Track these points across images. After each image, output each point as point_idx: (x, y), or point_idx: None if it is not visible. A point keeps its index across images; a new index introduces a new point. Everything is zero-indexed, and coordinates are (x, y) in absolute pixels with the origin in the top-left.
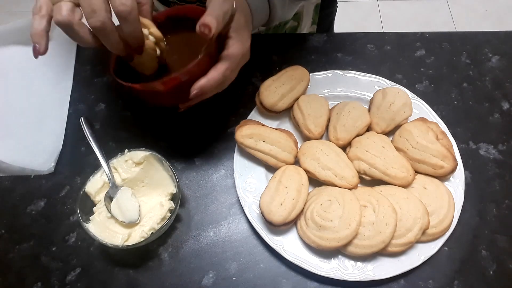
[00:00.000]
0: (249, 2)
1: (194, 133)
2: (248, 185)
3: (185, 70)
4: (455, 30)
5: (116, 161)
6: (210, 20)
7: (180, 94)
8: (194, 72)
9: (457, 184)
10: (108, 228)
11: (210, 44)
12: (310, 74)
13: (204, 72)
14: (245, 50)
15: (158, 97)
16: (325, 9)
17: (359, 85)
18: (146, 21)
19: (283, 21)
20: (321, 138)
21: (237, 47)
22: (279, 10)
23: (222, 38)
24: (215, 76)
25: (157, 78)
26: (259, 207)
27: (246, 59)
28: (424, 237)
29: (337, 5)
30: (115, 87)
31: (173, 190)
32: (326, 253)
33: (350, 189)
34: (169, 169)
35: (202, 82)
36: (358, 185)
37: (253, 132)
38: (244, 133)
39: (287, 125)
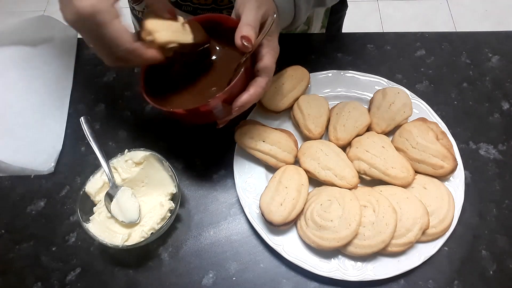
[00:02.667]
0: (277, 4)
1: (194, 133)
2: (248, 185)
3: (226, 90)
4: (455, 30)
5: (116, 161)
6: (248, 31)
7: (219, 111)
8: (235, 89)
9: (457, 184)
10: (108, 228)
11: (247, 56)
12: (310, 74)
13: (243, 86)
14: (277, 56)
15: (199, 117)
16: (335, 13)
17: (359, 85)
18: (149, 26)
19: None
20: (321, 138)
21: (271, 55)
22: (304, 14)
23: None
24: (257, 91)
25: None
26: (259, 207)
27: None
28: (424, 237)
29: (347, 9)
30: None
31: (173, 190)
32: (326, 253)
33: (350, 189)
34: (169, 169)
35: (244, 98)
36: (358, 185)
37: (253, 132)
38: (244, 133)
39: (287, 125)
